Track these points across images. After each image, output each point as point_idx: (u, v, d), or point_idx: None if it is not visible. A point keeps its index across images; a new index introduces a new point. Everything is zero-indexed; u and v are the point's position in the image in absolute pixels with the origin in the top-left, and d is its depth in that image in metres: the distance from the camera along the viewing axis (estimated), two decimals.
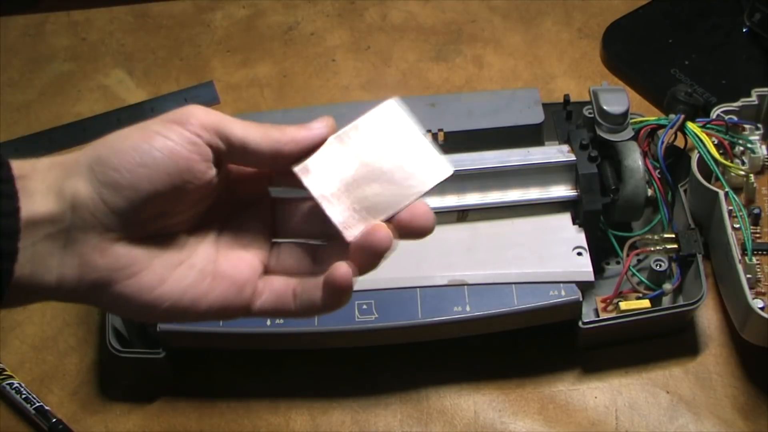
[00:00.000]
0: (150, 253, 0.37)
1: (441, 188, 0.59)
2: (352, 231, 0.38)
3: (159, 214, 0.37)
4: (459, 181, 0.60)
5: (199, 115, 0.36)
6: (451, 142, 0.64)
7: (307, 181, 0.38)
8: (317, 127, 0.38)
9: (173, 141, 0.36)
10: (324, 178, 0.39)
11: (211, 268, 0.39)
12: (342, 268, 0.37)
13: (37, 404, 0.60)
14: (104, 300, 0.37)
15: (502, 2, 0.87)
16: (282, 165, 0.38)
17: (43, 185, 0.36)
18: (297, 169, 0.39)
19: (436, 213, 0.59)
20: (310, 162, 0.39)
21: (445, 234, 0.60)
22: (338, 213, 0.38)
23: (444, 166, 0.40)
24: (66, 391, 0.62)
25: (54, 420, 0.60)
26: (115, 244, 0.36)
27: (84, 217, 0.36)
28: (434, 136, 0.64)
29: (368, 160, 0.39)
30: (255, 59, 0.84)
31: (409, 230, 0.38)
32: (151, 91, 0.82)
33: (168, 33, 0.88)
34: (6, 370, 0.63)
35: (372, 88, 0.81)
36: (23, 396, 0.61)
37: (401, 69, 0.82)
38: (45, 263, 0.35)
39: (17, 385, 0.62)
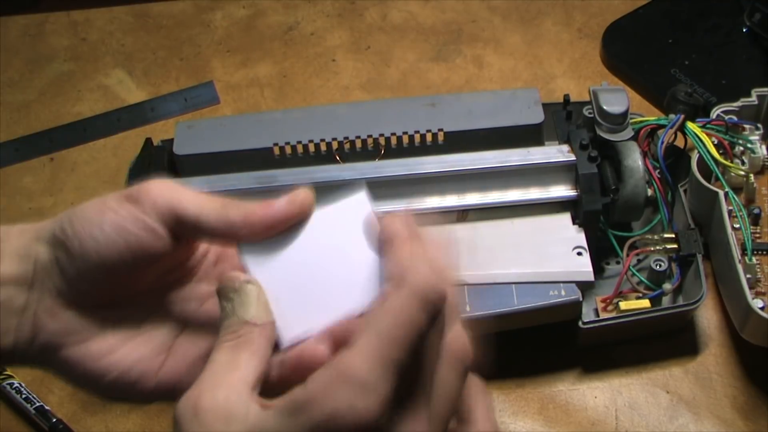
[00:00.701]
0: (104, 322, 0.37)
1: (441, 188, 0.60)
2: (288, 335, 0.35)
3: (113, 285, 0.36)
4: (459, 181, 0.60)
5: (153, 193, 0.36)
6: (451, 142, 0.64)
7: (251, 264, 0.36)
8: (278, 206, 0.36)
9: (122, 218, 0.35)
10: (270, 266, 0.36)
11: (169, 346, 0.38)
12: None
13: (38, 404, 0.60)
14: (53, 364, 0.37)
15: (502, 2, 0.87)
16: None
17: (12, 248, 0.36)
18: (242, 246, 0.36)
19: (436, 213, 0.60)
20: (261, 244, 0.36)
21: (445, 234, 0.60)
22: (278, 311, 0.35)
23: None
24: (66, 391, 0.62)
25: (54, 420, 0.60)
26: (66, 309, 0.36)
27: (41, 279, 0.36)
28: (434, 137, 0.64)
29: (321, 257, 0.36)
30: (255, 59, 0.84)
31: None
32: (151, 91, 0.82)
33: (168, 33, 0.88)
34: (6, 370, 0.63)
35: (372, 88, 0.81)
36: (23, 396, 0.61)
37: (401, 69, 0.82)
38: (5, 325, 0.36)
39: (17, 385, 0.62)
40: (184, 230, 0.36)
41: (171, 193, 0.36)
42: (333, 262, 0.36)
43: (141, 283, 0.38)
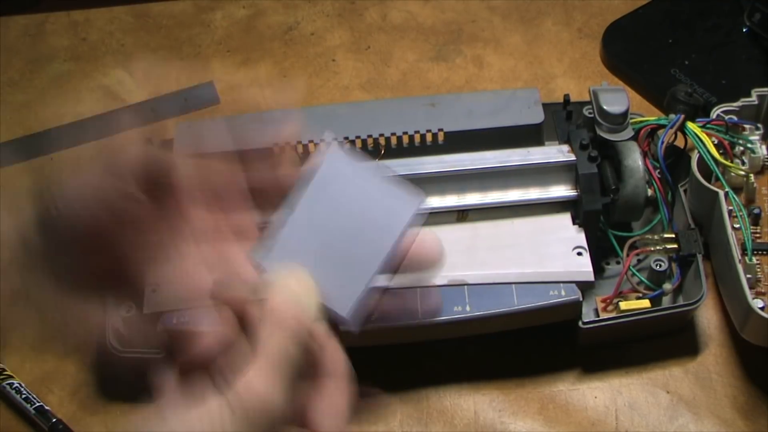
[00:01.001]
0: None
1: (442, 188, 0.60)
2: (346, 310, 0.35)
3: (108, 246, 0.37)
4: (459, 181, 0.60)
5: (121, 148, 0.37)
6: (451, 142, 0.64)
7: (269, 266, 0.34)
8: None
9: (96, 175, 0.36)
10: (290, 257, 0.34)
11: None
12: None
13: (37, 404, 0.60)
14: None
15: (502, 2, 0.87)
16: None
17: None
18: (254, 256, 0.35)
19: (436, 213, 0.60)
20: (268, 245, 0.35)
21: (445, 234, 0.60)
22: (323, 294, 0.34)
23: (412, 196, 0.35)
24: (66, 391, 0.62)
25: (54, 420, 0.60)
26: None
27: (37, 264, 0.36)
28: (434, 137, 0.64)
29: (331, 221, 0.35)
30: (255, 59, 0.84)
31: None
32: (151, 91, 0.82)
33: (168, 33, 0.88)
34: (6, 370, 0.63)
35: (372, 88, 0.81)
36: (23, 396, 0.61)
37: (401, 69, 0.82)
38: None
39: (17, 385, 0.62)
40: (158, 182, 0.37)
41: (139, 146, 0.37)
42: (344, 217, 0.35)
43: (138, 239, 0.37)
